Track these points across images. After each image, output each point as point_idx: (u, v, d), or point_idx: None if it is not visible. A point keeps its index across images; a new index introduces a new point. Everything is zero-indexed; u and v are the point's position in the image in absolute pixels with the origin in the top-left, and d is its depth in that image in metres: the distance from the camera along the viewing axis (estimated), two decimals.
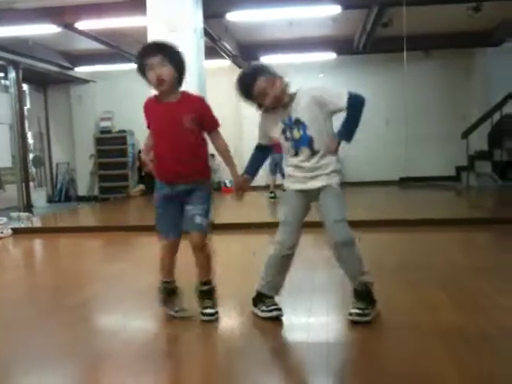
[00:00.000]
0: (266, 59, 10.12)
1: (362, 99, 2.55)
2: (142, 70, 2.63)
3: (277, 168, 8.26)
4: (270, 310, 2.67)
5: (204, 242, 2.73)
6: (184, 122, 2.62)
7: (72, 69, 10.46)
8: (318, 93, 2.61)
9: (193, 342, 2.48)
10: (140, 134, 10.95)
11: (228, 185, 10.91)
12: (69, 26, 7.09)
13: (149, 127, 2.81)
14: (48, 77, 10.40)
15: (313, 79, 10.61)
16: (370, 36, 8.52)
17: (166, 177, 2.70)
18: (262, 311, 2.70)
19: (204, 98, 2.87)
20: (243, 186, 2.80)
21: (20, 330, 2.75)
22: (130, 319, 2.86)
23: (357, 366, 2.18)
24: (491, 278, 3.39)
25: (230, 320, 2.82)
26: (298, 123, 2.59)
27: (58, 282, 3.88)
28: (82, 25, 7.02)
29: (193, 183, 2.68)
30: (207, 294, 2.76)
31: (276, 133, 2.68)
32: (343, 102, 2.52)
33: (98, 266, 4.46)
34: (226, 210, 7.99)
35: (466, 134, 9.28)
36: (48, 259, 5.19)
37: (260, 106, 2.70)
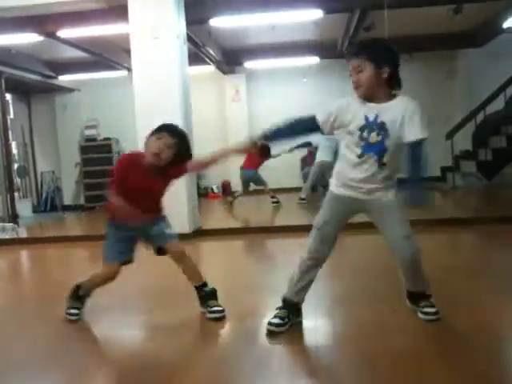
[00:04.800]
0: (250, 64, 10.15)
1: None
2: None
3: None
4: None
5: (183, 247, 2.83)
6: (162, 190, 2.81)
7: (56, 77, 10.39)
8: (412, 107, 2.45)
9: (181, 350, 2.47)
10: (125, 142, 10.91)
11: (215, 190, 10.89)
12: (51, 35, 7.04)
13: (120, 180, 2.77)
14: (31, 86, 10.31)
15: (296, 84, 10.66)
16: (352, 40, 8.56)
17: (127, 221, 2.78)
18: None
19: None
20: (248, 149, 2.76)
21: (4, 341, 2.72)
22: (117, 328, 2.83)
23: (348, 368, 2.17)
24: (477, 277, 3.41)
25: (219, 326, 2.81)
26: (382, 127, 2.39)
27: (43, 292, 3.84)
28: (65, 33, 6.98)
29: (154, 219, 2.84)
30: (210, 295, 2.83)
31: (353, 126, 2.43)
32: (418, 136, 2.39)
33: (84, 275, 4.41)
34: (214, 216, 7.98)
35: (450, 135, 9.35)
36: (34, 270, 5.14)
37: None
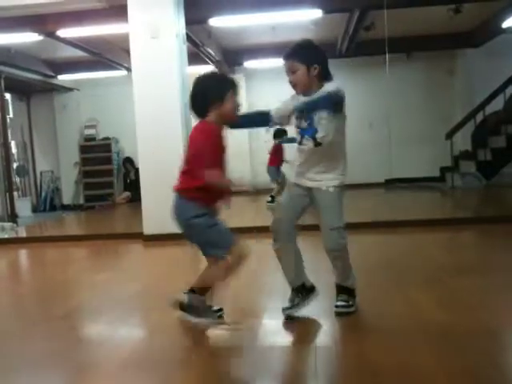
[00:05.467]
0: (250, 64, 10.15)
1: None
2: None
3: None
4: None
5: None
6: None
7: (55, 77, 10.39)
8: (327, 89, 2.62)
9: (179, 350, 2.46)
10: (124, 141, 10.92)
11: None
12: (51, 34, 7.04)
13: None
14: (31, 85, 10.31)
15: None
16: (352, 40, 8.58)
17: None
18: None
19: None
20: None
21: (5, 341, 2.72)
22: (117, 328, 2.83)
23: (344, 367, 2.18)
24: (476, 277, 3.41)
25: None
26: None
27: (43, 292, 3.84)
28: (64, 33, 6.98)
29: None
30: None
31: (292, 118, 2.76)
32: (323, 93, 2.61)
33: (84, 275, 4.42)
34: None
35: (449, 135, 9.36)
36: (33, 269, 5.14)
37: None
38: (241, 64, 10.23)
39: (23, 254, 5.84)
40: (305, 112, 2.64)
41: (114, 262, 4.90)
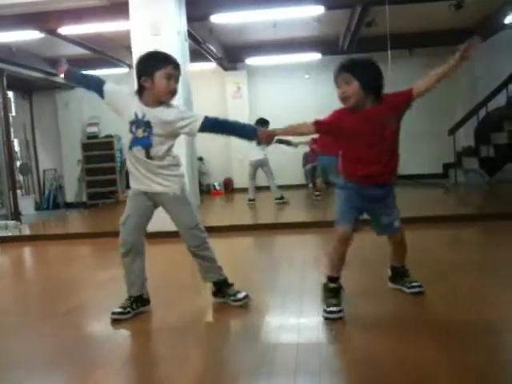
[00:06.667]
0: (251, 61, 10.14)
1: None
2: None
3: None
4: None
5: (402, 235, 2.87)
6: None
7: (57, 75, 10.38)
8: None
9: (183, 347, 2.47)
10: (127, 139, 10.91)
11: (217, 187, 10.90)
12: (52, 32, 7.05)
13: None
14: (33, 83, 10.33)
15: (298, 80, 10.65)
16: (354, 36, 8.56)
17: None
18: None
19: None
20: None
21: (9, 338, 2.73)
22: (121, 325, 2.84)
23: (347, 364, 2.18)
24: (479, 273, 3.41)
25: (221, 323, 2.81)
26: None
27: (46, 289, 3.85)
28: (66, 30, 6.98)
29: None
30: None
31: None
32: None
33: (87, 272, 4.43)
34: (216, 213, 7.99)
35: (452, 131, 9.33)
36: (37, 267, 5.15)
37: None
38: (242, 61, 10.22)
39: (26, 252, 5.85)
40: None
41: (117, 260, 4.88)
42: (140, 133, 2.69)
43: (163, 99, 2.70)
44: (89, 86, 2.96)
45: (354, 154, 2.70)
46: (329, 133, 2.82)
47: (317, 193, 8.04)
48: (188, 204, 2.88)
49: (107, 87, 2.84)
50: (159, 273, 3.98)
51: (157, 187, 2.77)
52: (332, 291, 2.69)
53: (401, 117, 2.69)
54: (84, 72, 3.03)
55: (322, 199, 7.85)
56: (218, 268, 2.98)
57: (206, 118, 2.72)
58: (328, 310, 2.60)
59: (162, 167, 2.75)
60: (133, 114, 2.70)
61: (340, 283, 2.73)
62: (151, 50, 2.80)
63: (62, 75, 2.98)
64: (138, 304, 2.87)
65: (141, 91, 2.72)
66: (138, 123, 2.69)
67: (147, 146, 2.70)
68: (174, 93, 2.72)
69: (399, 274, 3.00)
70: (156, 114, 2.69)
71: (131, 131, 2.72)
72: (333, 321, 2.57)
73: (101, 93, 2.86)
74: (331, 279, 2.72)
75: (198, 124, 2.70)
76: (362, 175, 2.66)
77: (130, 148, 2.75)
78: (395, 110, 2.64)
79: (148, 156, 2.72)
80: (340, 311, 2.59)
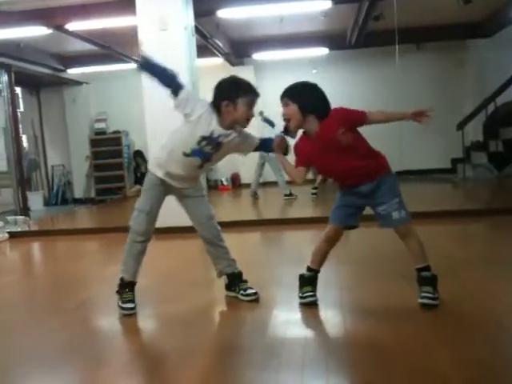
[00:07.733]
0: (259, 56, 10.12)
1: None
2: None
3: None
4: None
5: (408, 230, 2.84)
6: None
7: (64, 71, 10.42)
8: None
9: (192, 339, 2.47)
10: (134, 135, 10.94)
11: (224, 183, 10.91)
12: (59, 28, 7.05)
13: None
14: (41, 79, 10.36)
15: (305, 75, 10.61)
16: (361, 30, 8.51)
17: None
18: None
19: None
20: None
21: (18, 333, 2.75)
22: (129, 320, 2.85)
23: (354, 357, 2.18)
24: (487, 268, 3.40)
25: (230, 316, 2.81)
26: None
27: (55, 284, 3.87)
28: (73, 26, 6.99)
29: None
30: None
31: None
32: None
33: (95, 268, 4.45)
34: (225, 208, 7.99)
35: (461, 126, 9.28)
36: (45, 262, 5.18)
37: None
38: (249, 56, 10.20)
39: (35, 247, 5.88)
40: None
41: None
42: (208, 149, 2.75)
43: (241, 124, 2.79)
44: (165, 81, 3.02)
45: (330, 173, 2.89)
46: (311, 163, 2.81)
47: (313, 190, 8.08)
48: (205, 196, 3.05)
49: (183, 94, 2.88)
50: (170, 268, 3.99)
51: (187, 185, 2.91)
52: (307, 279, 2.82)
53: (354, 129, 2.72)
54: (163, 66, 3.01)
55: (319, 196, 7.90)
56: (233, 260, 3.07)
57: (260, 140, 2.97)
58: (303, 295, 2.78)
59: (202, 174, 2.90)
60: (210, 131, 2.73)
61: (317, 274, 2.82)
62: (233, 75, 2.91)
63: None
64: (128, 289, 2.96)
65: (218, 112, 2.76)
66: (211, 141, 2.74)
67: (206, 159, 2.81)
68: (250, 120, 2.81)
69: (428, 280, 2.76)
70: (229, 139, 2.78)
71: (199, 144, 2.74)
72: (341, 316, 2.58)
73: (175, 94, 2.93)
74: (309, 269, 2.84)
75: (252, 147, 2.96)
76: (347, 186, 2.77)
77: (188, 155, 2.77)
78: (346, 125, 2.66)
79: (201, 166, 2.84)
80: (312, 296, 2.77)
